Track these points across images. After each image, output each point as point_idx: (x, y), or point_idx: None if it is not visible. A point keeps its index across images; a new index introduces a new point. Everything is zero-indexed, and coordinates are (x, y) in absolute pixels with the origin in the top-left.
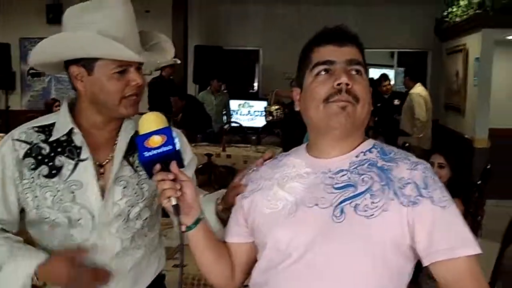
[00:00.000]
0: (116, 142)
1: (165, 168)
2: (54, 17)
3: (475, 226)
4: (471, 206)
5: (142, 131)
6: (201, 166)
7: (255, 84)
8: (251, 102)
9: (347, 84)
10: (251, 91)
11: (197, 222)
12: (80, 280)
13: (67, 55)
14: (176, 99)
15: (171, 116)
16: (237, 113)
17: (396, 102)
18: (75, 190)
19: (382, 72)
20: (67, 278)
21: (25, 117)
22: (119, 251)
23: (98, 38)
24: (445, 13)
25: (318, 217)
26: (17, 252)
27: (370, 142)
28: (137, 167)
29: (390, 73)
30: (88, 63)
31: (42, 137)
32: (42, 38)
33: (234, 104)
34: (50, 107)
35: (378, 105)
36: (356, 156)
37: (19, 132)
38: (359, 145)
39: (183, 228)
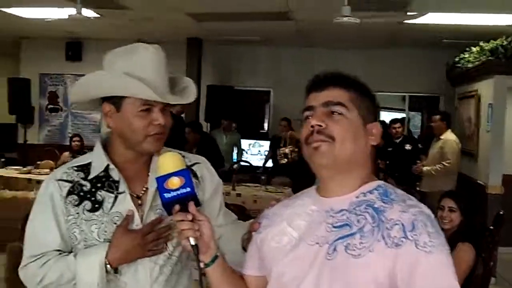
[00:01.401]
0: (149, 173)
1: (184, 209)
2: (74, 54)
3: (486, 271)
4: (483, 251)
5: (161, 172)
6: None
7: (265, 124)
8: (261, 142)
9: (319, 125)
10: (261, 131)
11: (214, 259)
12: (144, 242)
13: (98, 93)
14: (190, 130)
15: (186, 150)
16: (247, 152)
17: (408, 147)
18: (117, 221)
19: (393, 116)
20: (132, 247)
21: (42, 150)
22: (158, 276)
23: (123, 77)
24: (456, 59)
25: (316, 254)
26: (83, 252)
27: (374, 184)
28: None
29: (402, 117)
30: (117, 101)
31: (82, 175)
32: (61, 74)
33: (244, 143)
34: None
35: (389, 149)
36: (357, 197)
37: (60, 172)
38: (362, 185)
39: (202, 265)
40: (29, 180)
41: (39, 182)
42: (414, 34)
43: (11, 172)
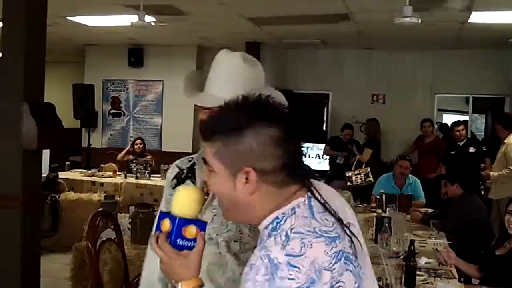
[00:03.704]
0: None
1: None
2: (136, 61)
3: None
4: None
5: (180, 208)
6: None
7: (324, 128)
8: (320, 145)
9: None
10: (319, 134)
11: None
12: None
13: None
14: None
15: None
16: (305, 155)
17: (472, 149)
18: None
19: (455, 118)
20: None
21: (105, 154)
22: (204, 269)
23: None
24: None
25: None
26: None
27: (272, 216)
28: None
29: (464, 119)
30: None
31: (189, 164)
32: (123, 80)
33: None
34: (133, 143)
35: (452, 152)
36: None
37: (180, 159)
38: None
39: None
40: (93, 182)
41: (102, 184)
42: (478, 34)
43: (76, 174)
